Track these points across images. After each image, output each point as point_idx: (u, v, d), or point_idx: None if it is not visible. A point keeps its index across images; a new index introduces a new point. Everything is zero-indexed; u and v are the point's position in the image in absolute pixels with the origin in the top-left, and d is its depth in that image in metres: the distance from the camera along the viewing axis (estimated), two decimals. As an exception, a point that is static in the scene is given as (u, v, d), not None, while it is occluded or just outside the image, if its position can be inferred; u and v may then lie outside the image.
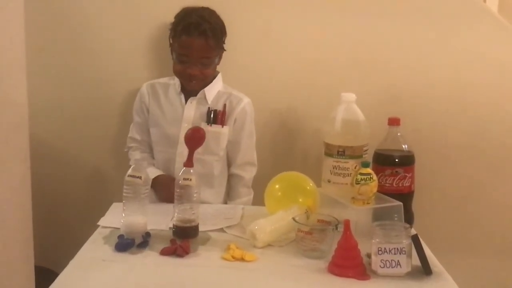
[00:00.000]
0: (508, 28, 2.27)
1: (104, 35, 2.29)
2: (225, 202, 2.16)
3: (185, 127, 2.03)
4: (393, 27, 2.25)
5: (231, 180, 2.18)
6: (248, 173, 2.17)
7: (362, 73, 2.27)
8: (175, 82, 2.11)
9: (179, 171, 1.69)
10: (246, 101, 2.11)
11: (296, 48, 2.28)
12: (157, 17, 2.26)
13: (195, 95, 2.08)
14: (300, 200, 1.76)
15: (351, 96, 1.87)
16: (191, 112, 2.08)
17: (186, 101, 2.09)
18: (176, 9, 2.07)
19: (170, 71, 2.12)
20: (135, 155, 2.15)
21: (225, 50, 2.08)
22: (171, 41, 2.06)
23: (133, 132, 2.18)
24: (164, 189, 1.98)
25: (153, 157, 2.16)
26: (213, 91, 2.09)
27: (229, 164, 2.18)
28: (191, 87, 2.07)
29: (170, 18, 2.08)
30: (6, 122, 1.69)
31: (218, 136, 2.08)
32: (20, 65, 1.76)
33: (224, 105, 2.09)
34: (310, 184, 1.83)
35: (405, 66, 2.27)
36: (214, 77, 2.10)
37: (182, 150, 1.97)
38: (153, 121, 2.13)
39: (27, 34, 1.79)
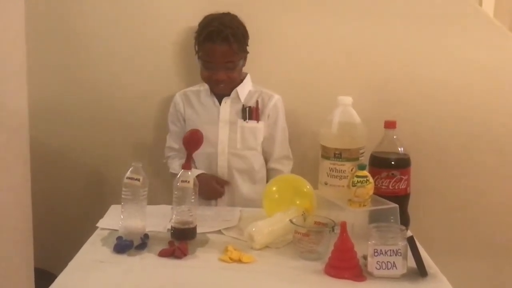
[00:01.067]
0: (504, 32, 2.28)
1: (104, 39, 2.30)
2: None
3: (222, 126, 2.13)
4: (390, 30, 2.26)
5: (270, 175, 2.21)
6: (286, 167, 2.22)
7: (358, 76, 2.28)
8: (206, 88, 2.17)
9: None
10: (277, 97, 2.20)
11: (293, 51, 2.30)
12: (159, 21, 2.27)
13: (228, 95, 2.15)
14: (297, 202, 1.77)
15: (347, 99, 1.88)
16: (227, 111, 2.15)
17: (219, 102, 2.16)
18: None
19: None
20: (174, 162, 2.21)
21: (248, 52, 2.14)
22: (196, 49, 2.12)
23: (170, 142, 2.24)
24: (205, 186, 2.01)
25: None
26: (245, 90, 2.17)
27: (266, 159, 2.23)
28: (220, 91, 2.14)
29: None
30: (7, 124, 1.69)
31: (255, 131, 2.16)
32: (21, 68, 1.77)
33: (257, 102, 2.16)
34: (307, 187, 1.83)
35: (401, 70, 2.28)
36: (243, 78, 2.17)
37: (224, 148, 2.13)
38: (191, 126, 2.14)
39: (28, 38, 1.80)
